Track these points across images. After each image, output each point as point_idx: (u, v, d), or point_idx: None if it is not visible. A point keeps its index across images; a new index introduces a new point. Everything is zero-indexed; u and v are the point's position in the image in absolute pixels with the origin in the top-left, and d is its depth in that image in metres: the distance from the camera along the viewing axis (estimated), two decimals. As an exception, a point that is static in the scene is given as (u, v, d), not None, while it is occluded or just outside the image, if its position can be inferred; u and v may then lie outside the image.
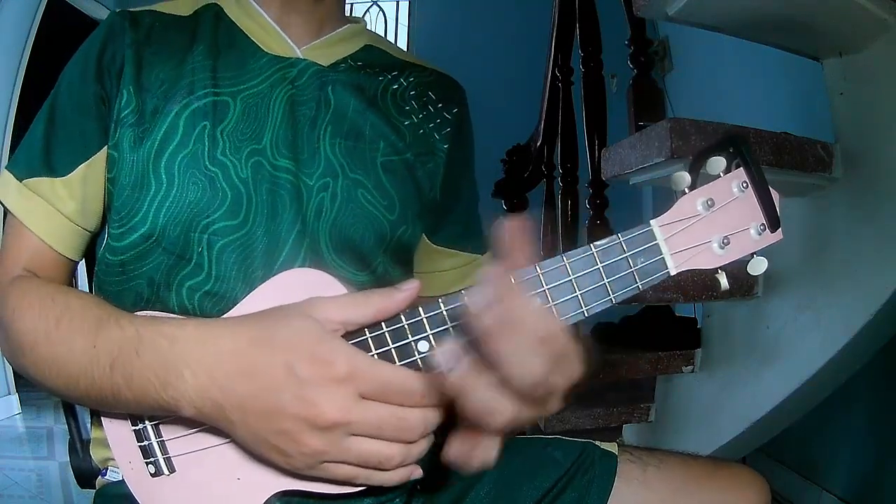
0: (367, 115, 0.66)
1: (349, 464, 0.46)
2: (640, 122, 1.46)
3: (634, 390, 1.58)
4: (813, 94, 1.51)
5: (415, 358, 0.47)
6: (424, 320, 0.47)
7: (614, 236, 0.45)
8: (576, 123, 1.80)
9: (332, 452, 0.45)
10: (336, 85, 0.66)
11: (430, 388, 0.45)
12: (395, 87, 0.70)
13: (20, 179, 0.62)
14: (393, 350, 0.47)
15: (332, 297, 0.48)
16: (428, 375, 0.46)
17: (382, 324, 0.47)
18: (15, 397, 2.98)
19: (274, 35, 0.66)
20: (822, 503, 1.71)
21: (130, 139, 0.59)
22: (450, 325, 0.46)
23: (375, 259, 0.64)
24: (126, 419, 0.53)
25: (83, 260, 0.68)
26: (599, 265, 0.46)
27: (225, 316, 0.54)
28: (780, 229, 0.47)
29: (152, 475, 0.52)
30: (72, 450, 0.68)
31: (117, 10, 0.65)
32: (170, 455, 0.52)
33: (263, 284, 0.54)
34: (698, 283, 1.18)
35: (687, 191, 0.47)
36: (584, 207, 1.66)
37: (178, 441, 0.52)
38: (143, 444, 0.52)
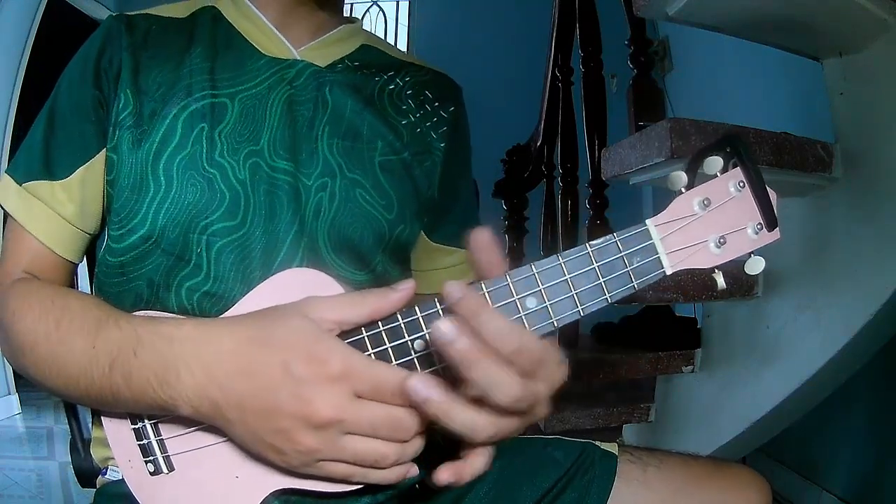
0: (364, 115, 0.66)
1: (345, 462, 0.46)
2: (640, 122, 1.46)
3: (634, 390, 1.58)
4: (813, 94, 1.51)
5: (411, 357, 0.47)
6: (420, 319, 0.47)
7: (610, 235, 0.46)
8: (576, 123, 1.80)
9: (327, 451, 0.45)
10: (333, 85, 0.66)
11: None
12: (392, 86, 0.71)
13: (20, 183, 0.62)
14: (389, 349, 0.47)
15: (328, 297, 0.48)
16: (422, 375, 0.46)
17: (379, 322, 0.47)
18: (15, 397, 2.98)
19: (271, 37, 0.66)
20: (822, 503, 1.71)
21: (129, 141, 0.60)
22: None
23: (374, 258, 0.64)
24: (125, 418, 0.53)
25: (84, 262, 0.68)
26: (595, 265, 0.46)
27: (223, 316, 0.54)
28: (777, 229, 0.47)
29: (151, 474, 0.52)
30: (73, 449, 0.69)
31: (114, 14, 0.65)
32: (169, 454, 0.52)
33: (261, 284, 0.55)
34: (698, 283, 1.18)
35: (684, 190, 0.47)
36: (584, 207, 1.66)
37: (177, 440, 0.52)
38: (142, 442, 0.52)
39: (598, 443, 0.70)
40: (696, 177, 0.47)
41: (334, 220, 0.61)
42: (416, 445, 0.48)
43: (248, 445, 0.48)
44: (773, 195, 0.47)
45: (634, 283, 0.46)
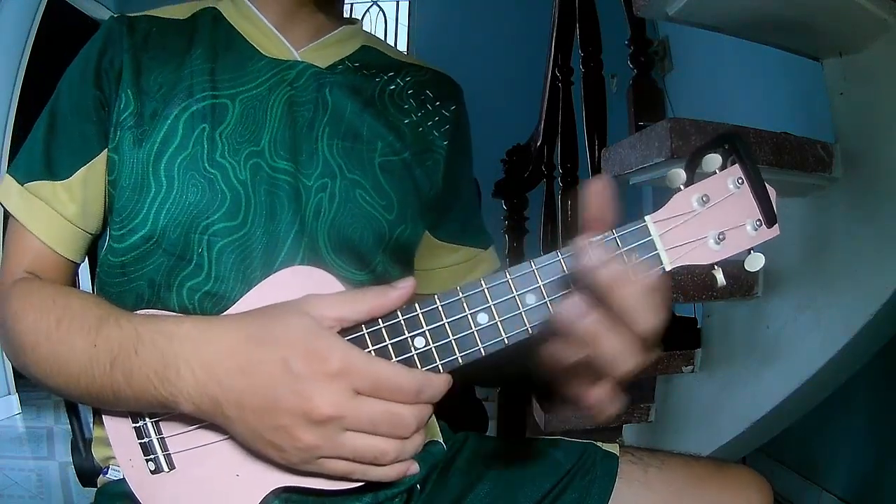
0: (364, 115, 0.66)
1: (344, 459, 0.46)
2: (640, 122, 1.46)
3: (634, 390, 1.58)
4: (813, 94, 1.52)
5: (411, 354, 0.47)
6: (420, 316, 0.47)
7: (609, 231, 0.46)
8: (576, 123, 1.80)
9: (327, 447, 0.45)
10: (334, 86, 0.66)
11: (423, 385, 0.46)
12: (393, 87, 0.71)
13: (21, 183, 0.62)
14: (389, 346, 0.48)
15: (327, 295, 0.48)
16: (422, 372, 0.47)
17: (379, 320, 0.48)
18: (15, 397, 2.98)
19: (272, 38, 0.66)
20: (822, 503, 1.71)
21: (130, 142, 0.60)
22: (445, 321, 0.47)
23: (374, 259, 0.64)
24: (126, 417, 0.53)
25: (86, 261, 0.68)
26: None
27: (223, 314, 0.54)
28: (776, 225, 0.47)
29: (152, 472, 0.52)
30: (74, 449, 0.69)
31: (115, 16, 0.66)
32: (170, 452, 0.52)
33: (262, 283, 0.55)
34: (698, 283, 1.18)
35: (683, 187, 0.47)
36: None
37: (178, 438, 0.52)
38: (143, 441, 0.52)
39: (599, 443, 0.70)
40: (695, 174, 0.47)
41: (334, 220, 0.61)
42: (417, 442, 0.48)
43: (249, 443, 0.48)
44: (772, 192, 0.47)
45: None
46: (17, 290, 0.58)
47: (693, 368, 1.39)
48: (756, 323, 1.25)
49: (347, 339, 0.47)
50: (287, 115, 0.63)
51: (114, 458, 0.56)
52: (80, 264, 0.67)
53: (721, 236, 0.46)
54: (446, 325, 0.47)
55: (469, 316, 0.47)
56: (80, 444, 0.69)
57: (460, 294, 0.47)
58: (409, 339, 0.47)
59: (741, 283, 1.21)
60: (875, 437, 1.59)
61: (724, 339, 1.36)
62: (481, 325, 0.47)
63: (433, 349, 0.47)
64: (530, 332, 0.46)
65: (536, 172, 2.06)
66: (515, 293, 0.46)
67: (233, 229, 0.59)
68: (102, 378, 0.50)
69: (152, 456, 0.52)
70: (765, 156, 1.00)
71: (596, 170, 1.55)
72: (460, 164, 0.74)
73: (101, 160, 0.62)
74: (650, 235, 0.46)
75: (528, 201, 2.15)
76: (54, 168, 0.62)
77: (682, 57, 2.87)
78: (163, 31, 0.65)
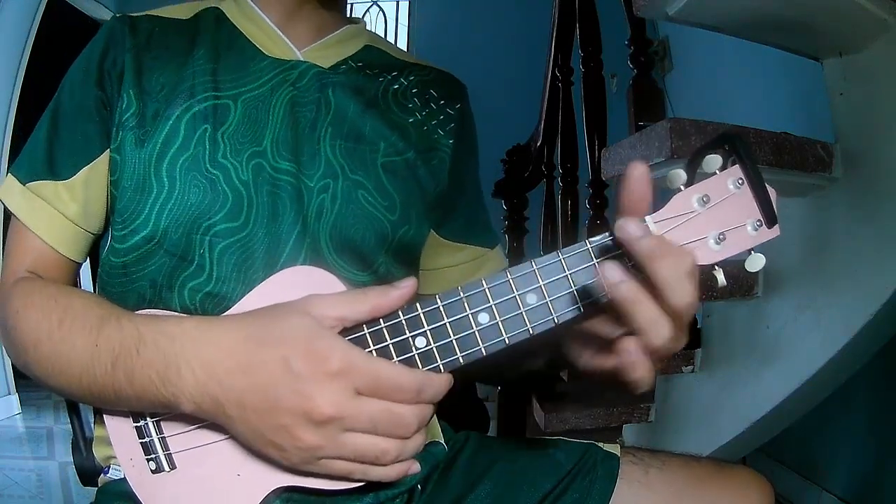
0: (366, 116, 0.66)
1: (345, 459, 0.46)
2: (640, 122, 1.46)
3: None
4: (813, 94, 1.51)
5: (412, 354, 0.47)
6: (421, 316, 0.47)
7: (609, 232, 0.46)
8: (576, 123, 1.80)
9: (328, 447, 0.46)
10: (336, 87, 0.66)
11: (424, 384, 0.46)
12: (396, 86, 0.70)
13: (23, 183, 0.62)
14: (391, 345, 0.48)
15: (328, 295, 0.49)
16: (422, 372, 0.47)
17: (380, 319, 0.48)
18: (15, 397, 2.98)
19: (275, 38, 0.66)
20: (822, 503, 1.71)
21: (132, 142, 0.60)
22: (446, 320, 0.47)
23: (377, 259, 0.64)
24: (127, 416, 0.53)
25: (87, 261, 0.68)
26: (594, 260, 0.46)
27: (225, 314, 0.54)
28: (777, 225, 0.47)
29: (153, 472, 0.52)
30: (75, 448, 0.69)
31: (117, 15, 0.66)
32: (170, 452, 0.52)
33: (264, 282, 0.55)
34: (698, 283, 1.18)
35: (683, 188, 0.47)
36: (584, 207, 1.66)
37: (179, 437, 0.52)
38: (144, 440, 0.52)
39: (600, 444, 0.70)
40: (695, 175, 0.47)
41: (336, 221, 0.61)
42: (417, 442, 0.48)
43: (250, 442, 0.48)
44: (772, 192, 0.47)
45: None
46: (19, 290, 0.58)
47: (693, 368, 1.39)
48: (756, 323, 1.24)
49: (348, 339, 0.47)
50: (289, 116, 0.63)
51: (114, 457, 0.56)
52: (81, 264, 0.67)
53: (721, 237, 0.46)
54: (447, 324, 0.47)
55: (470, 316, 0.47)
56: (81, 444, 0.69)
57: (461, 294, 0.47)
58: (410, 338, 0.47)
59: (741, 283, 1.21)
60: (875, 437, 1.59)
61: (724, 339, 1.36)
62: (482, 324, 0.47)
63: (434, 349, 0.47)
64: (531, 332, 0.46)
65: (536, 172, 2.05)
66: (516, 293, 0.46)
67: (234, 230, 0.59)
68: (104, 378, 0.50)
69: (153, 455, 0.52)
70: (765, 156, 1.00)
71: (596, 170, 1.55)
72: (466, 162, 0.74)
73: (103, 160, 0.62)
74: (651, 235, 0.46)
75: (528, 201, 2.15)
76: (56, 168, 0.62)
77: (682, 57, 2.87)
78: (165, 30, 0.65)
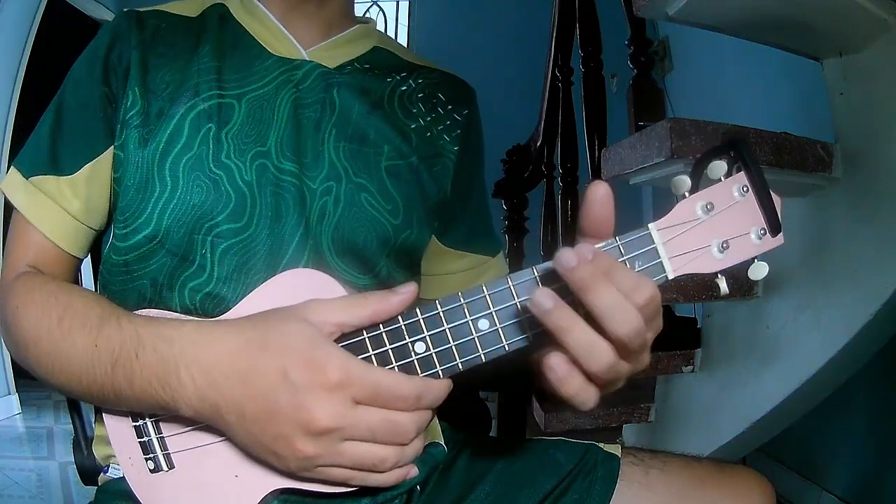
0: (371, 118, 0.65)
1: (344, 467, 0.46)
2: (640, 122, 1.46)
3: (634, 390, 1.57)
4: (813, 94, 1.51)
5: (412, 359, 0.47)
6: (421, 321, 0.47)
7: (612, 239, 0.45)
8: (576, 123, 1.80)
9: (326, 457, 0.45)
10: (342, 87, 0.65)
11: (422, 391, 0.46)
12: (404, 88, 0.70)
13: (26, 177, 0.62)
14: (390, 351, 0.47)
15: (329, 300, 0.48)
16: (421, 379, 0.47)
17: (380, 324, 0.48)
18: (15, 397, 2.98)
19: (279, 36, 0.65)
20: (822, 503, 1.71)
21: (135, 140, 0.59)
22: (446, 326, 0.47)
23: (378, 263, 0.64)
24: (127, 415, 0.53)
25: (89, 257, 0.68)
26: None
27: (224, 316, 0.54)
28: (780, 234, 0.46)
29: (151, 471, 0.52)
30: (76, 447, 0.69)
31: (124, 10, 0.65)
32: (169, 451, 0.52)
33: (264, 284, 0.55)
34: (698, 284, 1.18)
35: (687, 195, 0.46)
36: (583, 207, 1.65)
37: (178, 438, 0.52)
38: (142, 440, 0.52)
39: (601, 444, 0.69)
40: (699, 181, 0.47)
41: (338, 224, 0.61)
42: (416, 447, 0.48)
43: (248, 448, 0.48)
44: (776, 200, 0.46)
45: None
46: (19, 285, 0.58)
47: (693, 368, 1.39)
48: (756, 323, 1.24)
49: (348, 343, 0.47)
50: (293, 116, 0.62)
51: (114, 456, 0.56)
52: (82, 260, 0.66)
53: (725, 245, 0.46)
54: (447, 330, 0.47)
55: (470, 322, 0.46)
56: (82, 443, 0.69)
57: (461, 300, 0.46)
58: (409, 344, 0.47)
59: (741, 283, 1.21)
60: (875, 437, 1.59)
61: (724, 339, 1.36)
62: (482, 331, 0.46)
63: (433, 354, 0.47)
64: (530, 339, 0.46)
65: (536, 172, 2.06)
66: (517, 299, 0.46)
67: (237, 231, 0.58)
68: (104, 378, 0.50)
69: (152, 455, 0.52)
70: (765, 156, 1.00)
71: (596, 170, 1.55)
72: (471, 169, 0.73)
73: (107, 157, 0.61)
74: (653, 243, 0.46)
75: (528, 201, 2.15)
76: (59, 163, 0.61)
77: (682, 57, 2.87)
78: (172, 27, 0.64)
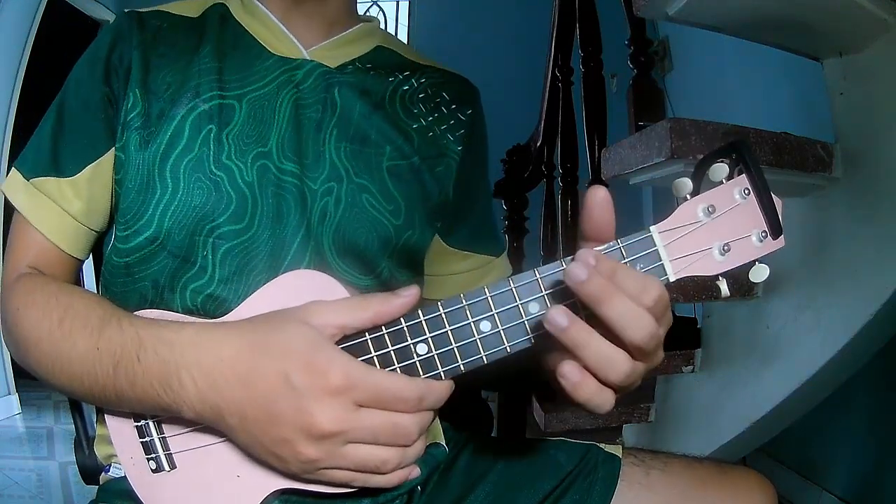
0: (373, 118, 0.65)
1: (346, 469, 0.46)
2: (640, 122, 1.46)
3: (634, 390, 1.57)
4: (813, 94, 1.51)
5: (413, 360, 0.47)
6: (423, 323, 0.47)
7: (613, 242, 0.45)
8: (576, 123, 1.80)
9: (328, 460, 0.45)
10: (343, 87, 0.65)
11: (425, 393, 0.46)
12: (406, 88, 0.69)
13: (27, 178, 0.62)
14: (392, 352, 0.47)
15: (330, 302, 0.48)
16: (423, 380, 0.47)
17: (382, 326, 0.47)
18: (15, 397, 2.98)
19: (280, 36, 0.65)
20: (822, 503, 1.71)
21: (136, 142, 0.59)
22: (448, 328, 0.47)
23: (380, 264, 0.63)
24: (128, 416, 0.53)
25: (91, 258, 0.68)
26: None
27: (226, 317, 0.54)
28: (782, 236, 0.46)
29: (153, 471, 0.52)
30: (77, 446, 0.69)
31: (125, 11, 0.65)
32: (171, 452, 0.52)
33: (266, 286, 0.55)
34: (698, 284, 1.18)
35: (689, 197, 0.46)
36: (583, 207, 1.65)
37: (180, 438, 0.52)
38: (144, 440, 0.52)
39: (602, 445, 0.69)
40: (701, 183, 0.47)
41: (339, 225, 0.61)
42: (418, 448, 0.48)
43: (250, 450, 0.48)
44: (777, 202, 0.46)
45: None
46: (20, 286, 0.58)
47: (693, 368, 1.39)
48: (756, 323, 1.24)
49: (350, 345, 0.47)
50: (294, 116, 0.62)
51: (116, 455, 0.56)
52: (83, 261, 0.66)
53: (726, 247, 0.46)
54: (449, 332, 0.47)
55: (472, 324, 0.46)
56: (84, 442, 0.69)
57: (464, 301, 0.46)
58: (411, 345, 0.47)
59: (741, 283, 1.21)
60: (875, 437, 1.59)
61: (724, 339, 1.36)
62: (484, 333, 0.46)
63: (436, 356, 0.47)
64: (532, 341, 0.46)
65: (536, 172, 2.05)
66: (519, 302, 0.46)
67: (238, 232, 0.58)
68: (105, 380, 0.50)
69: (153, 455, 0.52)
70: (765, 156, 1.00)
71: (596, 170, 1.55)
72: (474, 169, 0.73)
73: (108, 158, 0.61)
74: (655, 246, 0.46)
75: (528, 201, 2.14)
76: (61, 164, 0.61)
77: (682, 57, 2.87)
78: (173, 28, 0.64)
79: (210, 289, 0.58)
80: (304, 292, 0.50)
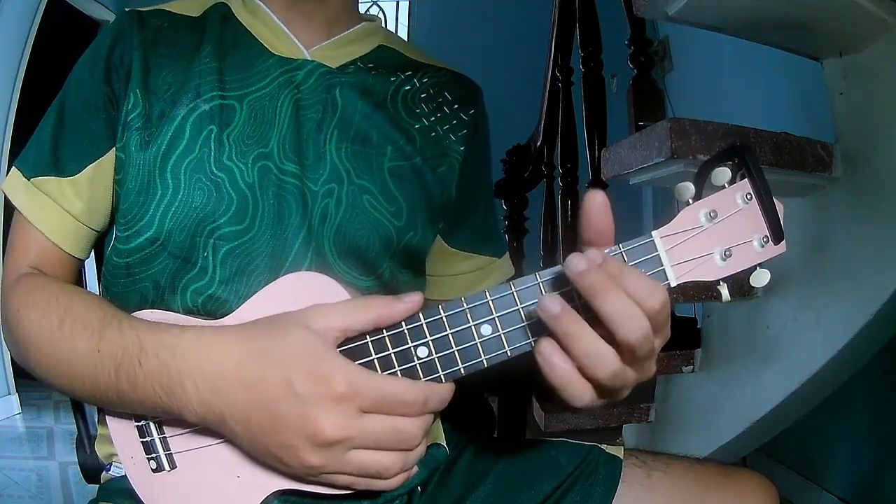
0: (374, 118, 0.65)
1: (349, 474, 0.46)
2: (640, 122, 1.46)
3: (634, 390, 1.57)
4: (813, 94, 1.51)
5: (414, 363, 0.47)
6: (424, 326, 0.47)
7: (615, 246, 0.45)
8: (576, 123, 1.80)
9: (332, 466, 0.45)
10: (344, 87, 0.65)
11: (428, 396, 0.46)
12: (408, 88, 0.69)
13: (28, 177, 0.62)
14: (392, 355, 0.47)
15: (332, 305, 0.48)
16: (425, 383, 0.47)
17: (383, 329, 0.47)
18: (15, 397, 2.98)
19: (281, 35, 0.65)
20: (822, 503, 1.71)
21: (137, 143, 0.59)
22: (449, 331, 0.47)
23: (381, 265, 0.63)
24: (129, 416, 0.53)
25: (92, 258, 0.68)
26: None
27: (227, 319, 0.54)
28: (783, 241, 0.46)
29: (153, 471, 0.52)
30: (79, 445, 0.69)
31: (126, 10, 0.65)
32: (171, 451, 0.52)
33: (267, 287, 0.54)
34: (699, 284, 1.17)
35: (691, 201, 0.46)
36: (584, 207, 1.65)
37: (180, 438, 0.52)
38: (145, 440, 0.53)
39: (603, 446, 0.69)
40: (703, 187, 0.47)
41: (340, 226, 0.61)
42: (420, 451, 0.48)
43: (253, 454, 0.48)
44: (779, 207, 0.46)
45: None
46: (21, 287, 0.58)
47: (693, 368, 1.39)
48: (756, 323, 1.24)
49: (350, 347, 0.47)
50: (295, 117, 0.62)
51: (117, 454, 0.56)
52: (84, 260, 0.66)
53: (728, 252, 0.46)
54: (450, 335, 0.47)
55: (473, 327, 0.46)
56: (85, 441, 0.69)
57: (464, 305, 0.46)
58: (412, 348, 0.47)
59: (742, 283, 1.21)
60: (875, 437, 1.59)
61: (724, 339, 1.36)
62: (485, 336, 0.46)
63: (436, 359, 0.47)
64: (533, 345, 0.46)
65: (536, 172, 2.05)
66: (520, 305, 0.46)
67: (239, 233, 0.58)
68: (107, 382, 0.50)
69: (154, 455, 0.52)
70: (765, 156, 1.00)
71: (596, 170, 1.55)
72: (477, 170, 0.73)
73: (109, 158, 0.61)
74: (657, 251, 0.46)
75: (528, 201, 2.14)
76: (61, 164, 0.61)
77: (682, 57, 2.87)
78: (174, 27, 0.64)
79: (210, 290, 0.58)
80: (305, 294, 0.50)
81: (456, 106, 0.71)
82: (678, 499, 0.64)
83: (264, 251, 0.59)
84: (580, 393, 0.43)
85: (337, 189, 0.61)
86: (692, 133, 0.97)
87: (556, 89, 1.86)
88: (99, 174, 0.61)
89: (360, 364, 0.47)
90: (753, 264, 0.47)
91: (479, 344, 0.46)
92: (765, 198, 0.46)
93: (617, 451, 0.68)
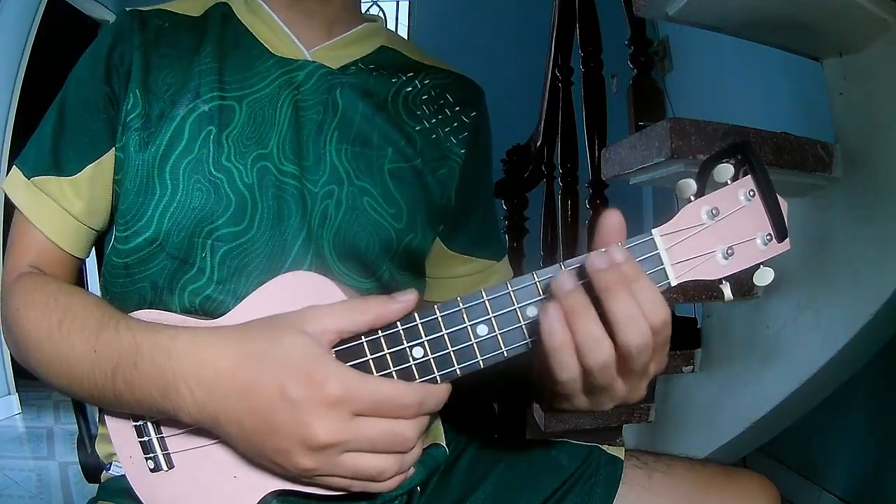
0: (375, 120, 0.64)
1: (344, 477, 0.46)
2: (640, 122, 1.46)
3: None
4: (813, 94, 1.51)
5: (409, 364, 0.47)
6: (419, 326, 0.47)
7: (615, 244, 0.45)
8: (576, 123, 1.79)
9: (327, 469, 0.45)
10: (344, 88, 0.64)
11: (424, 397, 0.46)
12: (409, 89, 0.69)
13: (28, 177, 0.62)
14: (388, 355, 0.47)
15: (328, 306, 0.48)
16: (421, 385, 0.46)
17: (378, 329, 0.47)
18: (15, 397, 2.98)
19: (282, 36, 0.64)
20: (822, 503, 1.71)
21: (136, 143, 0.59)
22: (445, 332, 0.46)
23: (381, 267, 0.63)
24: (128, 415, 0.53)
25: (93, 257, 0.68)
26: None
27: (224, 318, 0.54)
28: (787, 239, 0.46)
29: (152, 470, 0.52)
30: (80, 445, 0.69)
31: (127, 10, 0.64)
32: (169, 451, 0.52)
33: (264, 286, 0.54)
34: (699, 284, 1.17)
35: (693, 198, 0.46)
36: (584, 207, 1.66)
37: (178, 438, 0.52)
38: (143, 439, 0.53)
39: (605, 447, 0.69)
40: (705, 184, 0.46)
41: (340, 228, 0.60)
42: (415, 453, 0.48)
43: (248, 456, 0.48)
44: (783, 204, 0.45)
45: None
46: (21, 286, 0.58)
47: (693, 368, 1.39)
48: (756, 323, 1.24)
49: (345, 348, 0.47)
50: (294, 118, 0.62)
51: (116, 454, 0.56)
52: (84, 260, 0.66)
53: (730, 251, 0.45)
54: (445, 336, 0.46)
55: (469, 327, 0.46)
56: (86, 440, 0.69)
57: (460, 305, 0.46)
58: (407, 349, 0.47)
59: (742, 283, 1.20)
60: (875, 437, 1.59)
61: (724, 339, 1.36)
62: (481, 336, 0.46)
63: (431, 360, 0.47)
64: (530, 346, 0.46)
65: (536, 172, 2.05)
66: (516, 305, 0.45)
67: (237, 234, 0.58)
68: (105, 382, 0.50)
69: (152, 455, 0.52)
70: (765, 156, 1.00)
71: (596, 170, 1.55)
72: (478, 172, 0.72)
73: (109, 158, 0.61)
74: (656, 249, 0.45)
75: (528, 201, 2.14)
76: (61, 164, 0.61)
77: (682, 57, 2.87)
78: (175, 27, 0.64)
79: (208, 290, 0.58)
80: (301, 294, 0.50)
81: (457, 108, 0.71)
82: (679, 500, 0.64)
83: (263, 252, 0.58)
84: (568, 361, 0.43)
85: (337, 190, 0.61)
86: (692, 133, 0.97)
87: (556, 89, 1.86)
88: (99, 174, 0.61)
89: (355, 364, 0.47)
90: (757, 262, 0.46)
91: (475, 344, 0.46)
92: (768, 194, 0.45)
93: (618, 452, 0.68)
